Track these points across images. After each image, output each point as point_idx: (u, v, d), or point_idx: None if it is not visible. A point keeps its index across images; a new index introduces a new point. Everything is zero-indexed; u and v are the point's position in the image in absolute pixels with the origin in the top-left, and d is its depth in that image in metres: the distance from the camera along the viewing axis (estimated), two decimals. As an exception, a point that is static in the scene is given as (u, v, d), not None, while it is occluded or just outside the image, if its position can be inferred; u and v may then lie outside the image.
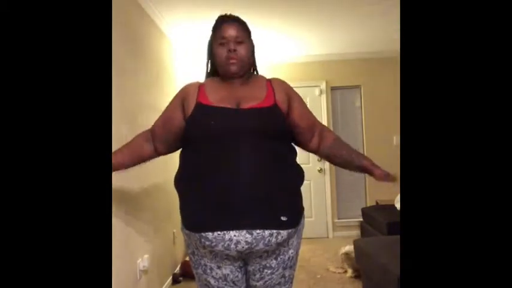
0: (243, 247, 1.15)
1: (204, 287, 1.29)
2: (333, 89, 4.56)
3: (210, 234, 1.15)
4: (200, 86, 1.32)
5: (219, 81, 1.34)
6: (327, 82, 4.51)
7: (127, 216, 2.23)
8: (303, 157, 5.04)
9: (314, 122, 1.39)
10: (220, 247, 1.16)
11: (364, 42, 4.07)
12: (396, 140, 4.48)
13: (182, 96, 1.32)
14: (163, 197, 3.01)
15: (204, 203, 1.16)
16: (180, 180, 1.27)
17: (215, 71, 1.36)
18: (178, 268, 3.32)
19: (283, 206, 1.19)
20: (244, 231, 1.13)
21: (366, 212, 3.92)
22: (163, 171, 3.00)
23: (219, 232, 1.14)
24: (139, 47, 2.60)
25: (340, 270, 3.17)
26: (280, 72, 4.44)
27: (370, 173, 1.33)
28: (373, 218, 3.63)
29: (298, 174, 1.30)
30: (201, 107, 1.24)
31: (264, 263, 1.24)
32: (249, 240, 1.14)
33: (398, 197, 3.69)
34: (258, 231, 1.14)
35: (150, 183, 2.70)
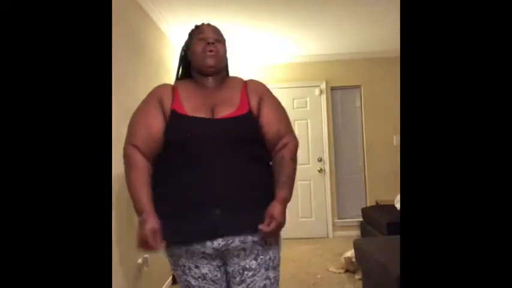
0: (218, 244, 1.16)
1: None
2: (333, 89, 4.56)
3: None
4: (174, 90, 1.27)
5: (193, 85, 1.30)
6: (327, 82, 4.51)
7: (127, 216, 2.23)
8: (302, 157, 5.00)
9: (282, 130, 1.30)
10: (195, 245, 1.17)
11: (364, 42, 4.07)
12: (396, 140, 4.48)
13: (159, 98, 1.25)
14: (163, 197, 3.01)
15: (179, 212, 1.17)
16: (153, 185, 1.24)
17: (187, 74, 1.35)
18: (178, 268, 3.32)
19: (258, 212, 1.18)
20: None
21: (366, 212, 3.92)
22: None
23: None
24: (139, 47, 2.60)
25: (341, 271, 3.17)
26: (280, 72, 4.45)
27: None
28: (373, 218, 3.63)
29: (271, 177, 1.27)
30: (176, 116, 1.21)
31: (242, 263, 1.21)
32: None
33: (398, 197, 3.69)
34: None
35: (150, 183, 2.70)
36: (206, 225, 1.15)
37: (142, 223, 1.15)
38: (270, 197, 1.22)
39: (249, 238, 1.18)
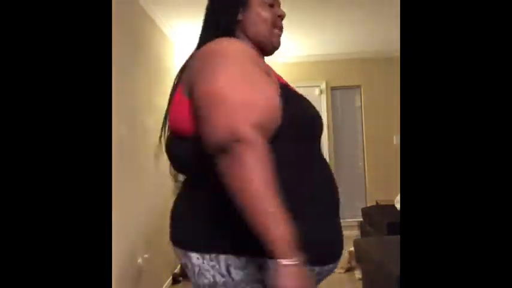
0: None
1: None
2: (333, 89, 4.57)
3: None
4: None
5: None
6: (327, 82, 4.51)
7: (127, 216, 2.23)
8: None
9: None
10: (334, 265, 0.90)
11: (364, 42, 4.07)
12: (396, 140, 4.48)
13: (259, 63, 0.88)
14: (163, 196, 3.01)
15: (326, 223, 0.87)
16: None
17: (225, 33, 0.93)
18: (178, 268, 3.32)
19: None
20: None
21: (366, 212, 3.92)
22: (162, 171, 3.00)
23: None
24: (139, 47, 2.60)
25: (341, 271, 3.16)
26: (280, 72, 4.41)
27: None
28: (373, 218, 3.63)
29: None
30: (288, 91, 0.90)
31: None
32: None
33: (398, 197, 3.69)
34: None
35: (150, 183, 2.70)
36: (342, 241, 0.90)
37: (301, 270, 0.70)
38: None
39: None
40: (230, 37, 0.91)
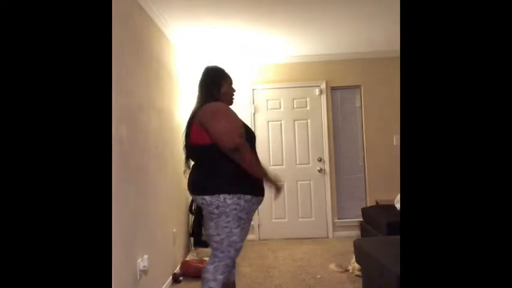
0: None
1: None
2: (333, 89, 4.56)
3: None
4: None
5: None
6: (327, 82, 4.51)
7: (127, 216, 2.23)
8: (302, 157, 4.99)
9: None
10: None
11: (364, 42, 4.07)
12: (396, 140, 4.48)
13: (233, 112, 2.03)
14: (162, 196, 3.01)
15: None
16: None
17: (212, 95, 2.03)
18: (178, 268, 3.32)
19: None
20: None
21: (366, 212, 3.92)
22: (162, 172, 3.00)
23: None
24: (139, 47, 2.60)
25: (341, 270, 3.16)
26: (280, 72, 4.45)
27: None
28: (373, 218, 3.63)
29: None
30: (244, 124, 2.03)
31: None
32: None
33: (398, 197, 3.69)
34: None
35: (149, 184, 2.70)
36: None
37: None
38: None
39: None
40: (217, 101, 2.02)
